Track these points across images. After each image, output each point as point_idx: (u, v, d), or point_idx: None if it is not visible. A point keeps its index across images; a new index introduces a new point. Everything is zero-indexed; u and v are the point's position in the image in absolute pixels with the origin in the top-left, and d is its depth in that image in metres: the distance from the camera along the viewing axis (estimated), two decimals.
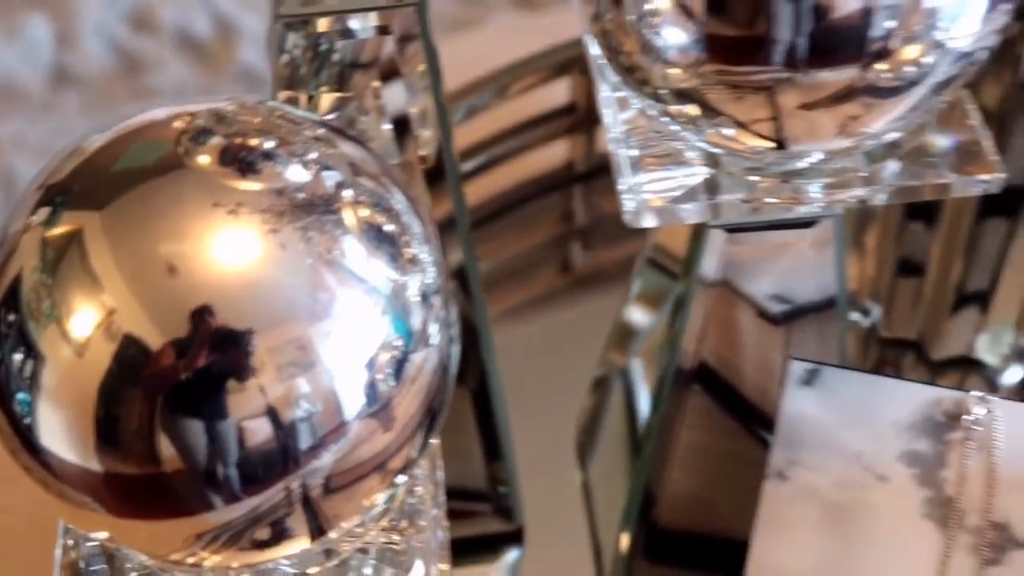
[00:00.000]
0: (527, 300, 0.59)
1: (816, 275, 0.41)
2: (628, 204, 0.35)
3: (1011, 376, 0.55)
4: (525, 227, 0.60)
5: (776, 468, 0.38)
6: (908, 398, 0.39)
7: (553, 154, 0.58)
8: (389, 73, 0.44)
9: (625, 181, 0.35)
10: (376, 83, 0.44)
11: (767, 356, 0.43)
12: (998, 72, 0.45)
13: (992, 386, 0.55)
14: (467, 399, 0.47)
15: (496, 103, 0.58)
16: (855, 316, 0.56)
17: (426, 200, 0.44)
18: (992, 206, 0.48)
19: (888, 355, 0.56)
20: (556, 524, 0.50)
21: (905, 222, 0.51)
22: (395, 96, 0.44)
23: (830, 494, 0.38)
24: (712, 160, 0.36)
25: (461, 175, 0.55)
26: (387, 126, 0.45)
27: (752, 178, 0.36)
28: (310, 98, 0.44)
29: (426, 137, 0.43)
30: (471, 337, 0.46)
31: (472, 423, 0.47)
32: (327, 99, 0.44)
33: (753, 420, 0.44)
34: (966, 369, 0.55)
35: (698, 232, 0.40)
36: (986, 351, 0.54)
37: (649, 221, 0.35)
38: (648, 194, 0.35)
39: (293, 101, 0.42)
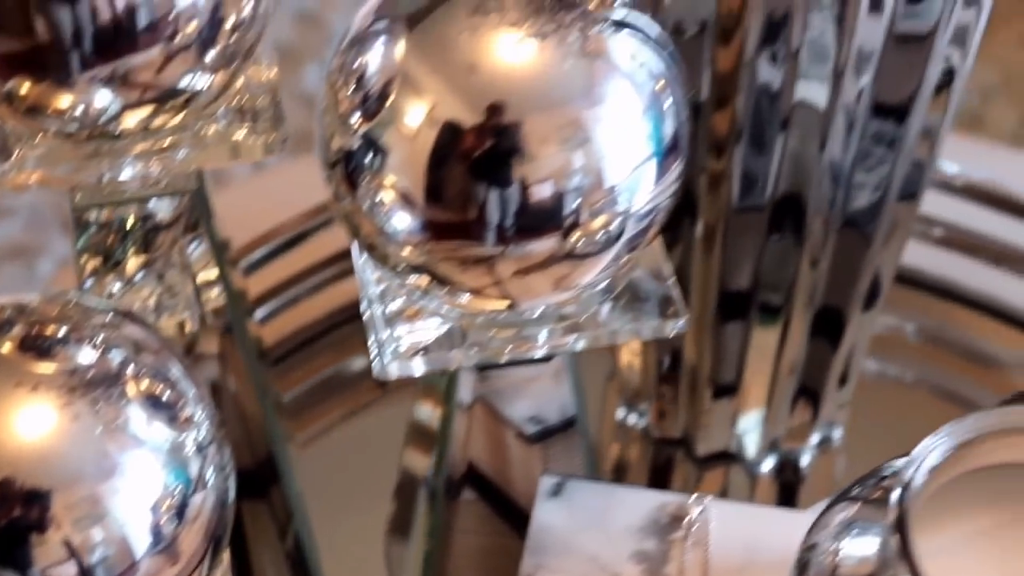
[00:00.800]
0: (336, 417, 0.65)
1: (558, 400, 0.48)
2: (376, 359, 0.42)
3: (766, 466, 0.62)
4: (330, 351, 0.66)
5: (525, 572, 0.45)
6: (639, 504, 0.46)
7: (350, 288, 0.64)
8: (190, 227, 0.50)
9: (375, 338, 0.42)
10: (180, 240, 0.50)
11: (530, 470, 0.49)
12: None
13: (752, 476, 0.62)
14: (270, 521, 0.52)
15: (296, 245, 0.64)
16: (633, 418, 0.63)
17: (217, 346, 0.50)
18: (729, 305, 0.55)
19: (660, 454, 0.63)
20: None
21: None
22: (198, 250, 0.51)
23: None
24: (455, 315, 0.43)
25: (266, 316, 0.61)
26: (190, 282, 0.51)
27: (491, 329, 0.43)
28: (116, 263, 0.50)
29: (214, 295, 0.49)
30: (270, 463, 0.52)
31: (277, 544, 0.53)
32: (134, 261, 0.50)
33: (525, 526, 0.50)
34: (728, 461, 0.62)
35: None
36: (742, 444, 0.61)
37: (395, 373, 0.42)
38: (397, 349, 0.42)
39: (96, 271, 0.48)
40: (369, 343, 0.42)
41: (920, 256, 0.66)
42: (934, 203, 0.64)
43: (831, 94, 0.47)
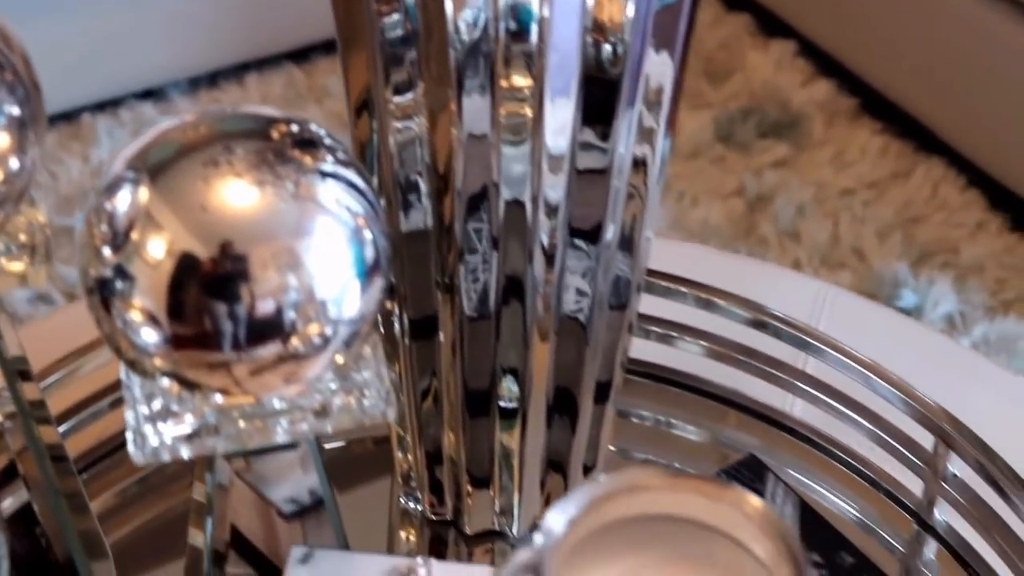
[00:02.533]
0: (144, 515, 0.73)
1: (308, 484, 0.56)
2: (133, 448, 0.50)
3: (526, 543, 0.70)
4: None
5: None
6: (373, 565, 0.55)
7: None
8: None
9: (134, 432, 0.50)
10: None
11: (289, 542, 0.58)
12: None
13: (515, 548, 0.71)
14: None
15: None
16: (412, 504, 0.71)
17: None
18: (474, 404, 0.64)
19: (437, 533, 0.71)
20: None
21: (430, 417, 0.67)
22: None
23: None
24: (210, 412, 0.51)
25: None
26: None
27: (240, 423, 0.52)
28: None
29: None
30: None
31: None
32: None
33: None
34: (495, 538, 0.70)
35: (210, 464, 0.55)
36: (505, 522, 0.70)
37: (144, 460, 0.50)
38: (154, 441, 0.50)
39: None
40: (128, 437, 0.50)
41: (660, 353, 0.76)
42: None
43: (532, 222, 0.56)
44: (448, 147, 0.55)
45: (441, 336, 0.62)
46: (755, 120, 1.70)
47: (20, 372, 0.59)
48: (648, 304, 0.76)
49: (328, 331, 0.49)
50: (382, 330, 0.63)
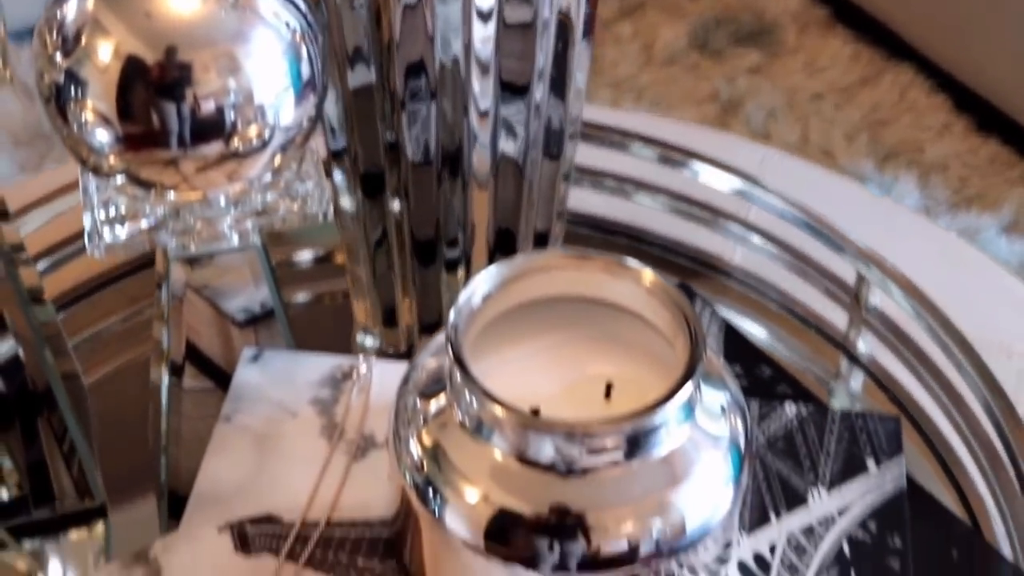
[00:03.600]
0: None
1: (260, 297, 0.60)
2: (90, 246, 0.54)
3: None
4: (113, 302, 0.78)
5: (224, 415, 0.57)
6: (320, 365, 0.59)
7: None
8: None
9: (88, 232, 0.54)
10: None
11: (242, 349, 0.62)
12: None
13: None
14: (49, 425, 0.64)
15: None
16: (368, 340, 0.75)
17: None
18: (422, 253, 0.68)
19: None
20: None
21: (384, 269, 0.71)
22: None
23: (259, 429, 0.57)
24: (159, 212, 0.56)
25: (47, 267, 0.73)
26: None
27: (190, 220, 0.56)
28: None
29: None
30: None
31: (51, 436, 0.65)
32: None
33: None
34: None
35: (166, 267, 0.59)
36: None
37: (103, 255, 0.54)
38: (108, 237, 0.54)
39: None
40: (86, 238, 0.54)
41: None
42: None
43: (465, 76, 0.60)
44: (387, 8, 0.58)
45: (389, 192, 0.66)
46: (729, 29, 1.73)
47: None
48: (599, 158, 0.80)
49: (266, 134, 0.53)
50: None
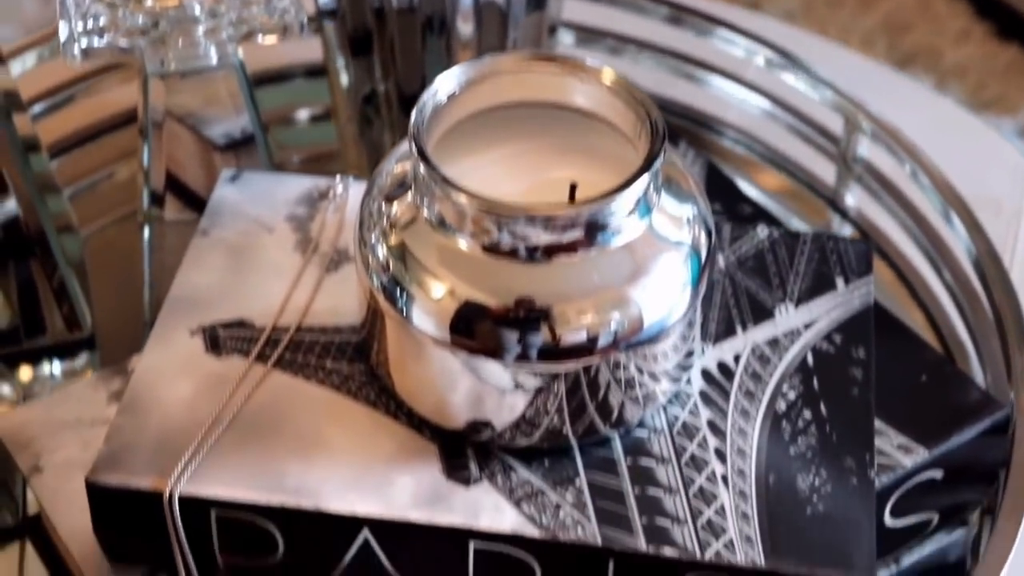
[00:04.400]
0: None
1: (241, 124, 0.61)
2: (66, 54, 0.55)
3: None
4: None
5: (201, 229, 0.58)
6: (297, 185, 0.59)
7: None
8: None
9: (65, 41, 0.55)
10: None
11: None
12: None
13: None
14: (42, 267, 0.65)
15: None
16: None
17: None
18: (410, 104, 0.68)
19: None
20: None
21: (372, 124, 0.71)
22: None
23: (234, 242, 0.57)
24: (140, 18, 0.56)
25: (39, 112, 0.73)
26: None
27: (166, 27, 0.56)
28: None
29: None
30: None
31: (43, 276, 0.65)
32: None
33: None
34: None
35: (145, 88, 0.59)
36: None
37: (79, 61, 0.55)
38: (84, 43, 0.55)
39: None
40: (62, 46, 0.55)
41: None
42: None
43: None
44: None
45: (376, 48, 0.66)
46: None
47: None
48: (597, 16, 0.80)
49: None
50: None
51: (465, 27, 0.65)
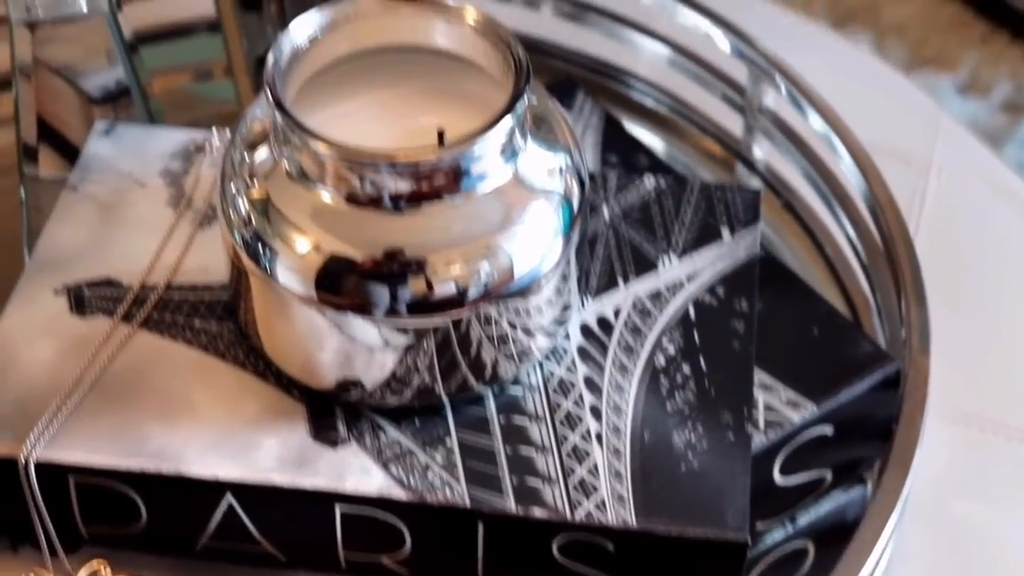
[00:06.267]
0: None
1: (116, 75, 0.59)
2: None
3: None
4: None
5: (70, 184, 0.56)
6: (173, 138, 0.57)
7: None
8: None
9: None
10: None
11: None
12: None
13: None
14: None
15: None
16: None
17: None
18: None
19: None
20: None
21: None
22: None
23: (105, 198, 0.55)
24: None
25: None
26: None
27: None
28: None
29: None
30: None
31: None
32: None
33: None
34: None
35: (11, 37, 0.57)
36: None
37: None
38: None
39: None
40: None
41: None
42: None
43: None
44: None
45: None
46: None
47: None
48: None
49: None
50: None
51: None
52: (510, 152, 0.46)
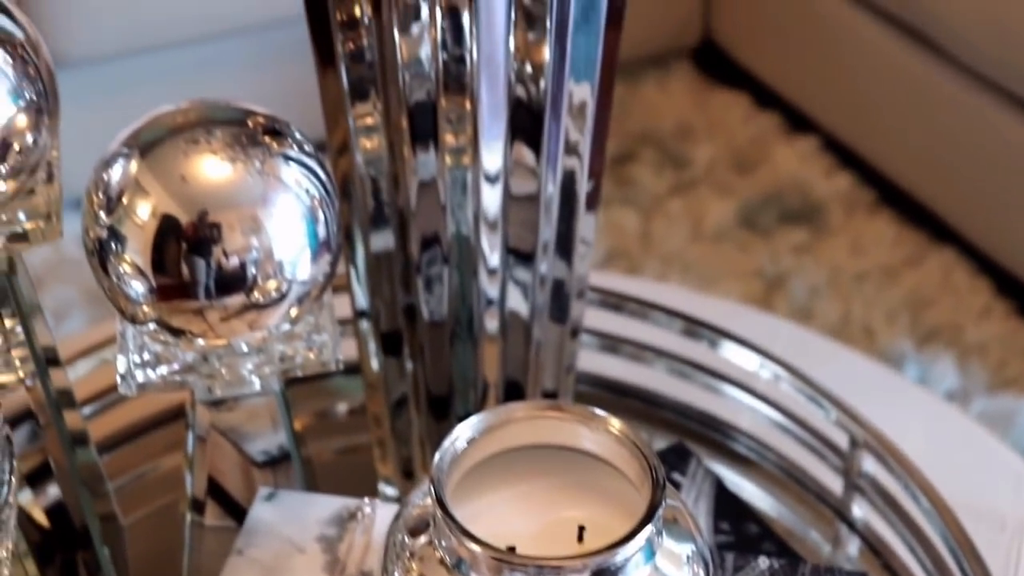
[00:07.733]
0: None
1: (279, 440, 0.65)
2: (122, 384, 0.60)
3: None
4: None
5: (236, 548, 0.62)
6: (328, 505, 0.63)
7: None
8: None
9: (122, 373, 0.60)
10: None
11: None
12: None
13: None
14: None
15: None
16: (388, 491, 0.79)
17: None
18: (437, 407, 0.73)
19: None
20: None
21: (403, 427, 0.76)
22: None
23: (268, 562, 0.61)
24: (188, 357, 0.61)
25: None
26: None
27: (215, 364, 0.61)
28: None
29: None
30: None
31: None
32: None
33: None
34: None
35: (193, 410, 0.64)
36: None
37: (135, 393, 0.60)
38: (140, 377, 0.60)
39: None
40: (119, 379, 0.60)
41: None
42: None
43: (476, 244, 0.65)
44: (403, 180, 0.64)
45: (407, 350, 0.71)
46: (778, 208, 1.79)
47: (49, 360, 0.68)
48: (624, 327, 0.84)
49: (283, 287, 0.58)
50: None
51: (491, 325, 0.69)
52: (647, 551, 0.51)
